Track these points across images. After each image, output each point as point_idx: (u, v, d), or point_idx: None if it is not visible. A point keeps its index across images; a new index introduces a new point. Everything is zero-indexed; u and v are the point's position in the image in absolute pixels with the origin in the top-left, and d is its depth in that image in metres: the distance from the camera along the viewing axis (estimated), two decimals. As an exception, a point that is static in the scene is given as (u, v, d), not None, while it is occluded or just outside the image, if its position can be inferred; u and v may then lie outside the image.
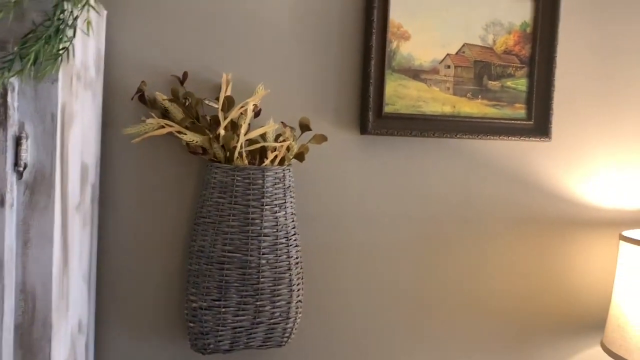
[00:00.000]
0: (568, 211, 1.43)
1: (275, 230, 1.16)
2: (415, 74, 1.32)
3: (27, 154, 0.73)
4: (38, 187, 0.74)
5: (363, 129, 1.29)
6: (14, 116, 0.72)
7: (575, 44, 1.41)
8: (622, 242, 1.32)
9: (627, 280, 1.29)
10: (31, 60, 0.68)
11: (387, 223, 1.34)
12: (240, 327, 1.16)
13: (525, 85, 1.38)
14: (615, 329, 1.30)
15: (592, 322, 1.45)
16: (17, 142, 0.72)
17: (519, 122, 1.38)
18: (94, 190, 1.10)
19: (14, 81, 0.71)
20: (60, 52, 0.71)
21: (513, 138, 1.37)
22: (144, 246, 1.21)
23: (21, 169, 0.73)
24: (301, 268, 1.22)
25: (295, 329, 1.23)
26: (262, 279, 1.15)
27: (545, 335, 1.43)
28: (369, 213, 1.32)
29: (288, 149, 1.19)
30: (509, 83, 1.38)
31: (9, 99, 0.71)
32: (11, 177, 0.73)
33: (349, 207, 1.31)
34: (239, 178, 1.13)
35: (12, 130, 0.72)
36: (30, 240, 0.74)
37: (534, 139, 1.38)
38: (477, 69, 1.36)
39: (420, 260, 1.36)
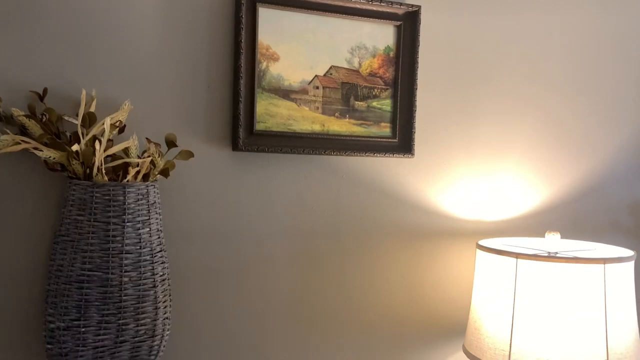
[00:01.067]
0: (431, 222, 1.52)
1: (138, 247, 1.16)
2: (285, 93, 1.37)
3: None
4: None
5: (235, 146, 1.32)
6: None
7: (434, 65, 1.52)
8: (478, 251, 1.43)
9: (482, 285, 1.40)
10: None
11: (260, 238, 1.37)
12: (102, 347, 1.14)
13: (389, 105, 1.47)
14: (472, 332, 1.40)
15: (457, 327, 1.54)
16: None
17: (384, 139, 1.46)
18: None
19: None
20: None
21: (379, 155, 1.45)
22: (1, 267, 1.17)
23: None
24: (168, 285, 1.22)
25: (164, 347, 1.22)
26: (124, 297, 1.14)
27: (415, 343, 1.51)
28: (241, 229, 1.35)
29: (154, 164, 1.19)
30: (374, 103, 1.46)
31: None
32: None
33: (221, 223, 1.33)
34: (98, 194, 1.12)
35: None
36: None
37: (398, 156, 1.47)
38: (344, 90, 1.43)
39: (294, 274, 1.39)
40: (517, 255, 1.30)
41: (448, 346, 1.54)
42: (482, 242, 1.45)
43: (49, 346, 1.12)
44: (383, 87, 1.47)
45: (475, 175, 1.57)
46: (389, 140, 1.47)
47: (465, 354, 1.40)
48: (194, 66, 1.30)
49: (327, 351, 1.43)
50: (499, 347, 1.31)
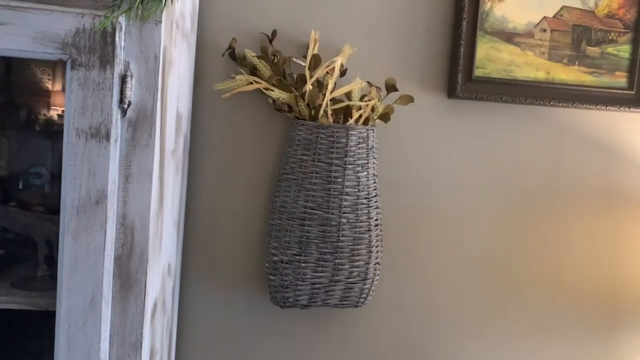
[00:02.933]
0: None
1: (356, 190, 1.16)
2: (508, 37, 1.27)
3: (132, 92, 0.77)
4: (140, 126, 0.78)
5: (451, 92, 1.26)
6: (120, 55, 0.75)
7: (689, 7, 1.30)
8: None
9: None
10: (138, 0, 0.71)
11: (471, 192, 1.30)
12: (318, 284, 1.18)
13: (628, 52, 1.29)
14: None
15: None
16: (123, 80, 0.76)
17: (619, 91, 1.30)
18: (186, 141, 1.14)
19: (122, 21, 0.74)
20: (164, -5, 0.74)
21: (611, 108, 1.29)
22: (229, 199, 1.25)
23: (125, 106, 0.76)
24: (380, 230, 1.22)
25: (373, 291, 1.23)
26: (341, 238, 1.16)
27: (630, 320, 1.35)
28: (452, 180, 1.30)
29: (373, 109, 1.18)
30: (609, 49, 1.29)
31: (116, 37, 0.74)
32: (116, 114, 0.76)
33: (432, 173, 1.29)
34: (322, 136, 1.14)
35: (118, 68, 0.76)
36: (131, 175, 0.78)
37: (634, 110, 1.29)
38: (575, 34, 1.28)
39: (503, 233, 1.32)
40: None
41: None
42: None
43: (272, 277, 1.19)
44: (622, 30, 1.29)
45: None
46: (624, 91, 1.30)
47: None
48: (415, 8, 1.25)
49: (528, 324, 1.34)
50: None
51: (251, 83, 1.17)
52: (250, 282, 1.27)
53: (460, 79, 1.25)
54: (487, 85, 1.27)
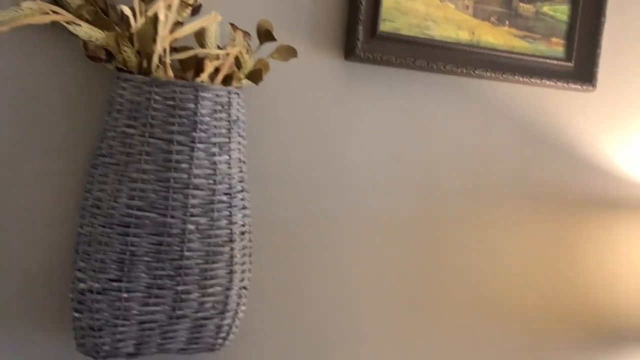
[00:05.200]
0: (608, 186, 1.09)
1: (212, 182, 0.78)
2: (424, -18, 0.95)
3: None
4: None
5: (349, 52, 0.92)
6: None
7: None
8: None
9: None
10: None
11: (372, 185, 0.97)
12: (151, 322, 0.78)
13: (566, 13, 1.03)
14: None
15: (633, 329, 1.11)
16: None
17: (555, 61, 1.03)
18: None
19: None
20: None
21: (546, 82, 1.02)
22: (15, 198, 0.81)
23: None
24: (249, 240, 0.85)
25: (236, 327, 0.85)
26: (187, 253, 0.77)
27: (568, 346, 1.09)
28: (348, 170, 0.95)
29: (238, 63, 0.81)
30: (545, 8, 1.02)
31: None
32: None
33: (322, 160, 0.94)
34: (157, 98, 0.75)
35: None
36: None
37: (572, 86, 1.03)
38: (506, -15, 1.00)
39: (412, 237, 1.00)
40: None
41: (616, 353, 1.12)
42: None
43: (77, 315, 0.77)
44: (560, -15, 1.02)
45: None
46: (562, 63, 1.03)
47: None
48: None
49: (449, 342, 1.03)
50: None
51: (47, 13, 0.75)
52: (53, 324, 0.84)
53: (361, 34, 0.92)
54: (395, 45, 0.94)
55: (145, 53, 0.75)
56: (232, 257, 0.81)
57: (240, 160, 0.82)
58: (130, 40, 0.76)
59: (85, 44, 0.77)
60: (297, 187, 0.93)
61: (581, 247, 1.09)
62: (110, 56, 0.78)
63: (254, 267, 0.90)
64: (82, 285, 0.77)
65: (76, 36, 0.76)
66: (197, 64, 0.79)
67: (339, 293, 0.97)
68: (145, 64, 0.76)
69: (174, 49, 0.79)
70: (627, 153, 1.10)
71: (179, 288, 0.78)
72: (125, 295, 0.76)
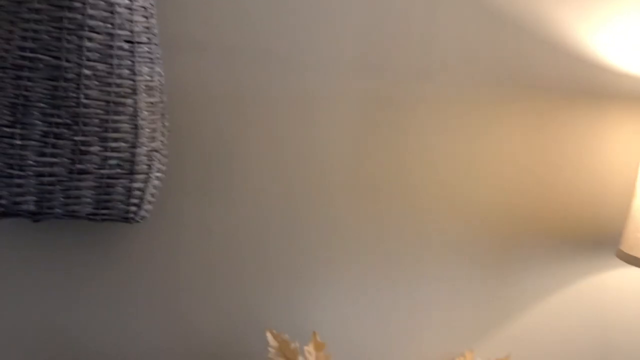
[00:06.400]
0: (580, 73, 0.98)
1: (110, 26, 0.74)
2: None
3: None
4: None
5: None
6: None
7: None
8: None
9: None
10: None
11: (310, 64, 0.90)
12: (50, 176, 0.74)
13: None
14: (639, 229, 0.86)
15: (610, 230, 1.00)
16: None
17: None
18: None
19: None
20: None
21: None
22: None
23: None
24: (162, 101, 0.80)
25: (152, 196, 0.80)
26: (85, 101, 0.73)
27: (541, 248, 0.98)
28: (278, 46, 0.89)
29: None
30: None
31: None
32: None
33: (249, 30, 0.88)
34: None
35: None
36: None
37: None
38: None
39: (360, 128, 0.92)
40: None
41: (594, 255, 1.00)
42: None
43: (-28, 165, 0.75)
44: None
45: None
46: None
47: (625, 259, 0.87)
48: None
49: (396, 241, 0.95)
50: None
51: None
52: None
53: None
54: None
55: None
56: (135, 110, 0.76)
57: (146, 10, 0.78)
58: None
59: None
60: (224, 56, 0.88)
61: (550, 138, 0.99)
62: None
63: (175, 134, 0.85)
64: (-25, 133, 0.74)
65: None
66: None
67: (273, 174, 0.90)
68: None
69: None
70: (601, 35, 1.00)
71: (77, 138, 0.74)
72: (19, 142, 0.73)
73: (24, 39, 0.72)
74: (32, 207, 0.76)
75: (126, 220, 0.81)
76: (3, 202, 0.74)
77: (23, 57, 0.72)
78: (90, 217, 0.79)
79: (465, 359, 0.95)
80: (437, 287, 0.96)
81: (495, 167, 0.97)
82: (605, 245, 1.00)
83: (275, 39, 0.89)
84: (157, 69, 0.79)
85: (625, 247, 0.88)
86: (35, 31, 0.72)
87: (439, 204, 0.96)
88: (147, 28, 0.78)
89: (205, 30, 0.87)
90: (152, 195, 0.81)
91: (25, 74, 0.72)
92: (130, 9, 0.75)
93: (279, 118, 0.90)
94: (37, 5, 0.72)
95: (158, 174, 0.81)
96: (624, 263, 0.89)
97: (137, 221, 0.81)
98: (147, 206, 0.81)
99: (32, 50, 0.72)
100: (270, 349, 0.83)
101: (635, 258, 0.85)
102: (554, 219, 0.99)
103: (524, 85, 0.98)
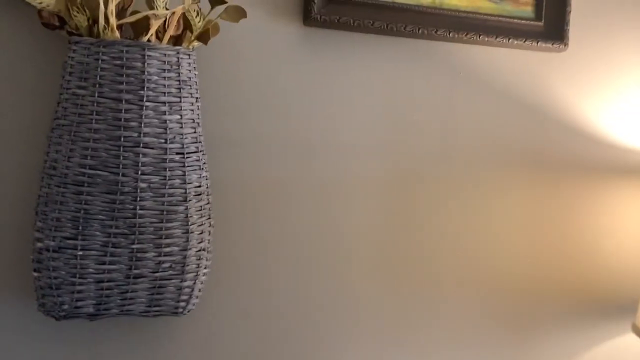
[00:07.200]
0: (587, 150, 1.05)
1: (162, 140, 0.80)
2: (381, -55, 0.96)
3: None
4: None
5: (307, 16, 0.92)
6: None
7: None
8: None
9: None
10: None
11: (338, 152, 0.97)
12: (109, 282, 0.79)
13: (533, -30, 1.02)
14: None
15: (623, 300, 1.07)
16: None
17: (524, 21, 1.01)
18: None
19: None
20: None
21: (514, 41, 1.00)
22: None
23: None
24: (208, 202, 0.85)
25: (199, 291, 0.86)
26: (141, 211, 0.79)
27: (555, 318, 1.05)
28: (309, 135, 0.95)
29: (189, 26, 0.82)
30: (511, -32, 1.01)
31: None
32: None
33: (281, 124, 0.94)
34: (105, 58, 0.77)
35: None
36: None
37: (543, 45, 1.01)
38: (467, -55, 0.99)
39: (382, 209, 0.99)
40: None
41: (606, 325, 1.07)
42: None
43: (36, 274, 0.79)
44: (525, -57, 1.01)
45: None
46: (531, 22, 1.01)
47: (638, 334, 0.93)
48: None
49: (427, 320, 1.01)
50: None
51: (1, -16, 0.78)
52: (16, 284, 0.86)
53: (318, -2, 0.93)
54: (355, 8, 0.94)
55: (93, 16, 0.78)
56: (187, 216, 0.82)
57: (193, 121, 0.83)
58: (82, 5, 0.79)
59: (39, 12, 0.80)
60: (257, 151, 0.93)
61: (561, 211, 1.05)
62: (63, 22, 0.80)
63: (218, 230, 0.90)
64: (39, 245, 0.79)
65: (32, 5, 0.79)
66: (148, 27, 0.81)
67: (309, 257, 0.96)
68: (96, 29, 0.79)
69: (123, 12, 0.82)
70: (605, 114, 1.07)
71: (134, 246, 0.79)
72: (80, 253, 0.78)
73: (84, 156, 0.77)
74: (91, 310, 0.81)
75: (175, 314, 0.86)
76: (65, 307, 0.79)
77: (83, 174, 0.77)
78: (143, 314, 0.84)
79: None
80: (453, 357, 1.02)
81: (509, 237, 1.03)
82: (615, 314, 1.07)
83: (306, 129, 0.95)
84: (204, 174, 0.85)
85: (640, 323, 0.95)
86: (94, 149, 0.77)
87: (456, 277, 1.02)
88: (195, 138, 0.83)
89: (239, 128, 0.93)
90: (199, 290, 0.86)
91: (85, 188, 0.77)
92: (180, 123, 0.81)
93: (311, 202, 0.96)
94: (95, 125, 0.77)
95: (205, 270, 0.86)
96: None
97: (185, 314, 0.86)
98: (195, 300, 0.86)
99: (91, 167, 0.77)
100: None
101: (651, 337, 0.91)
102: (561, 283, 1.05)
103: (531, 163, 1.04)
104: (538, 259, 1.04)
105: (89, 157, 0.77)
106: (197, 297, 0.86)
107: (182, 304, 0.85)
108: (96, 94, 0.77)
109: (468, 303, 1.02)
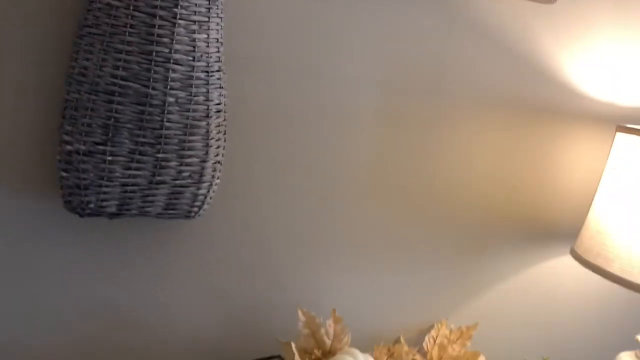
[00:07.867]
0: (558, 97, 1.18)
1: (191, 58, 0.84)
2: None
3: None
4: None
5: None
6: None
7: None
8: (619, 134, 1.09)
9: (617, 178, 1.08)
10: None
11: (342, 83, 1.04)
12: (133, 186, 0.86)
13: None
14: (593, 236, 1.10)
15: (568, 228, 1.24)
16: None
17: (521, -28, 1.08)
18: None
19: None
20: None
21: (512, -9, 1.07)
22: (7, 64, 0.86)
23: None
24: (224, 120, 0.92)
25: (211, 198, 0.94)
26: (167, 124, 0.84)
27: (507, 237, 1.21)
28: (320, 66, 1.02)
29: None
30: None
31: None
32: None
33: (296, 53, 1.00)
34: (143, -28, 0.79)
35: None
36: None
37: (536, -3, 1.09)
38: None
39: (374, 139, 1.08)
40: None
41: (546, 248, 1.25)
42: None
43: (64, 174, 0.85)
44: None
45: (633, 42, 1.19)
46: (527, -27, 1.09)
47: (579, 260, 1.11)
48: None
49: (397, 233, 1.14)
50: (633, 259, 1.01)
51: None
52: (39, 181, 0.92)
53: None
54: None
55: None
56: (208, 131, 0.88)
57: (217, 41, 0.88)
58: None
59: None
60: (274, 75, 0.99)
61: (531, 151, 1.19)
62: None
63: (228, 144, 0.97)
64: (69, 147, 0.83)
65: None
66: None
67: (306, 171, 1.06)
68: (130, -62, 0.79)
69: None
70: (579, 67, 1.18)
71: (159, 156, 0.85)
72: (109, 158, 0.83)
73: (116, 67, 0.81)
74: (113, 210, 0.88)
75: (187, 217, 0.94)
76: (91, 205, 0.86)
77: (114, 84, 0.81)
78: (159, 215, 0.92)
79: (442, 325, 1.19)
80: (426, 270, 1.18)
81: (483, 169, 1.17)
82: (557, 239, 1.25)
83: (314, 56, 1.01)
84: (224, 92, 0.90)
85: (579, 250, 1.12)
86: (126, 61, 0.81)
87: (435, 203, 1.15)
88: (218, 57, 0.88)
89: (255, 49, 0.98)
90: (210, 197, 0.95)
91: (116, 98, 0.82)
92: (207, 42, 0.85)
93: (312, 126, 1.04)
94: (128, 38, 0.80)
95: (217, 181, 0.94)
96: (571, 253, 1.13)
97: (195, 218, 0.95)
98: (205, 206, 0.95)
99: (122, 78, 0.81)
100: (299, 322, 1.02)
101: (587, 261, 1.09)
102: (519, 215, 1.22)
103: (509, 108, 1.16)
104: (504, 187, 1.19)
105: (120, 69, 0.81)
106: (207, 204, 0.95)
107: (195, 209, 0.93)
108: (131, 7, 0.79)
109: (442, 222, 1.16)
